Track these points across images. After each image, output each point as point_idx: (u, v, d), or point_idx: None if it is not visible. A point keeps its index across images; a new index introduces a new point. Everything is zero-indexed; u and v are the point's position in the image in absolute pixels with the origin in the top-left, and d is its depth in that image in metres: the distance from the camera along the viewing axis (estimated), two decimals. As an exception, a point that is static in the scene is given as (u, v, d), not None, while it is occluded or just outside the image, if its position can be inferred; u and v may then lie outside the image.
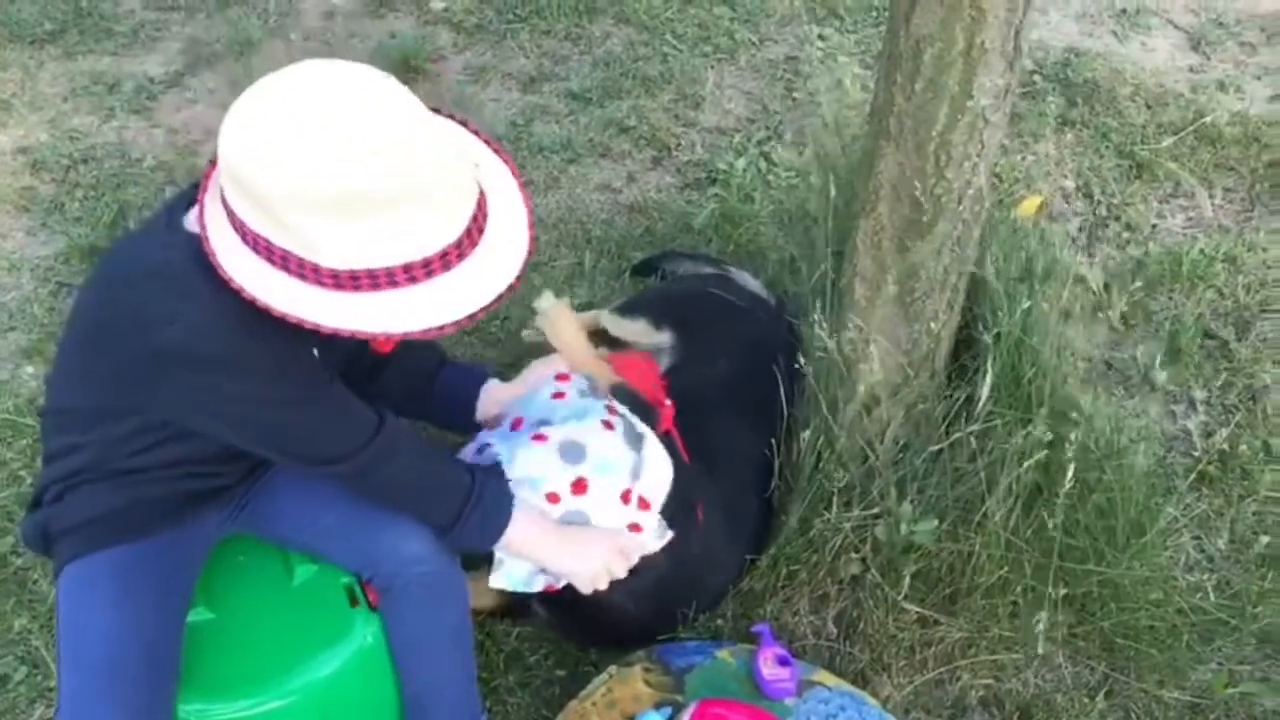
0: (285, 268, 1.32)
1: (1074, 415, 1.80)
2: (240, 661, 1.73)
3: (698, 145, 3.16)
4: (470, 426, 1.89)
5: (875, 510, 1.90)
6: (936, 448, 1.88)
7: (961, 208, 1.71)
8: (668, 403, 2.15)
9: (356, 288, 1.32)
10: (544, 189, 3.02)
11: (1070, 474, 1.78)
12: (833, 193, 1.92)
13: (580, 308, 2.67)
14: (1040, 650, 1.87)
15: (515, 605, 2.05)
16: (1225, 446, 2.28)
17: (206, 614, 1.76)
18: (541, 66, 3.45)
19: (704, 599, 2.04)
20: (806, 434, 1.95)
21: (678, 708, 1.79)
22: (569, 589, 1.78)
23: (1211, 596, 2.00)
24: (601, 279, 2.76)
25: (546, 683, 2.00)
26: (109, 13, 3.65)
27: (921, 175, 1.68)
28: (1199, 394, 2.44)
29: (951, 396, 1.90)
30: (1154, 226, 2.87)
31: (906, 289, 1.80)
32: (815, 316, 1.89)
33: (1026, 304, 1.79)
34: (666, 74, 3.39)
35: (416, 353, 1.89)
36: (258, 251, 1.33)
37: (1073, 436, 1.75)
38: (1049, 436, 1.75)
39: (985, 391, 1.82)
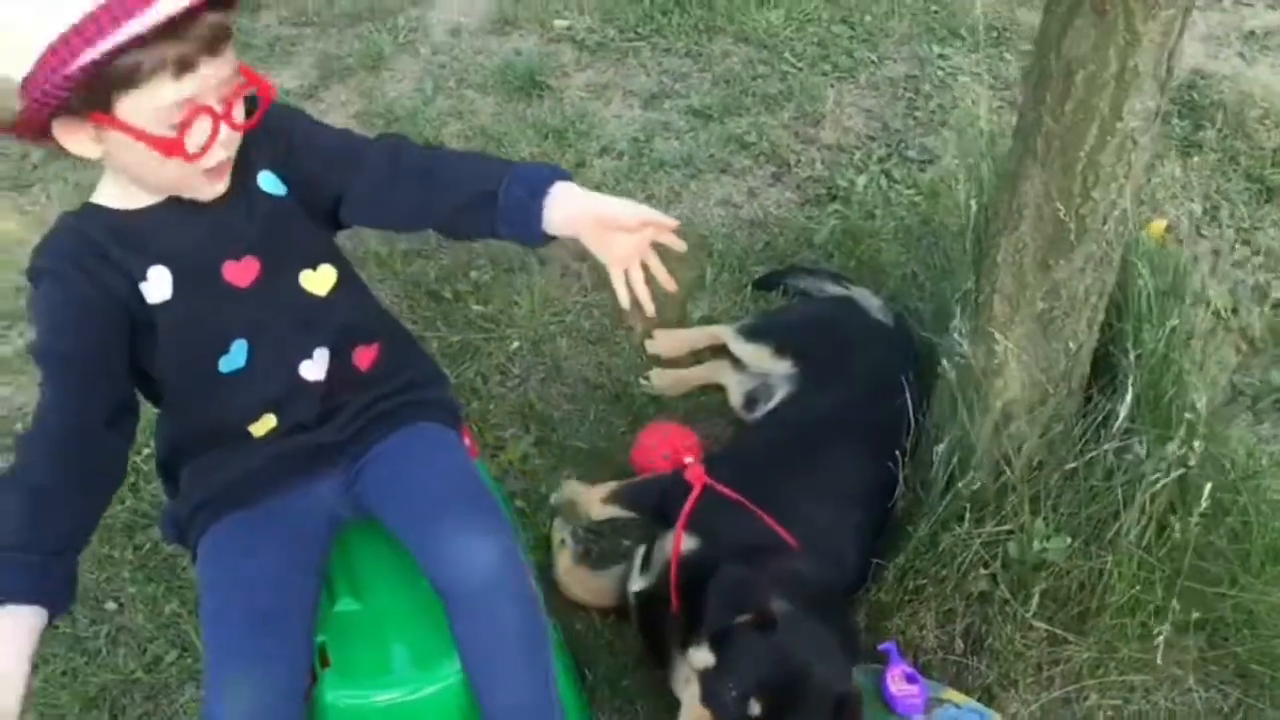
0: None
1: (1211, 436, 1.79)
2: (388, 651, 1.79)
3: (818, 162, 3.20)
4: (539, 239, 1.67)
5: (1007, 526, 1.91)
6: (1071, 465, 1.89)
7: (1106, 228, 1.72)
8: (688, 460, 2.20)
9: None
10: (665, 204, 3.08)
11: (1206, 493, 1.77)
12: (974, 208, 1.94)
13: (701, 321, 2.73)
14: (1176, 671, 1.86)
15: (625, 605, 2.11)
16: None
17: (353, 604, 1.83)
18: (662, 84, 3.52)
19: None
20: (940, 448, 1.97)
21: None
22: None
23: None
24: (723, 292, 2.81)
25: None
26: (247, 27, 3.80)
27: (1067, 195, 1.70)
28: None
29: (1088, 414, 1.90)
30: (1284, 252, 2.84)
31: (1047, 307, 1.81)
32: (956, 329, 1.91)
33: (1174, 321, 1.79)
34: (786, 92, 3.43)
35: (477, 180, 1.71)
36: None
37: (1210, 452, 1.75)
38: (1189, 455, 1.75)
39: (1124, 410, 1.82)
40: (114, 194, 1.60)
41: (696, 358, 2.65)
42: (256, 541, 1.73)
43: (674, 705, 1.88)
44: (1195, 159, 3.08)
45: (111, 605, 2.22)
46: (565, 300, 2.80)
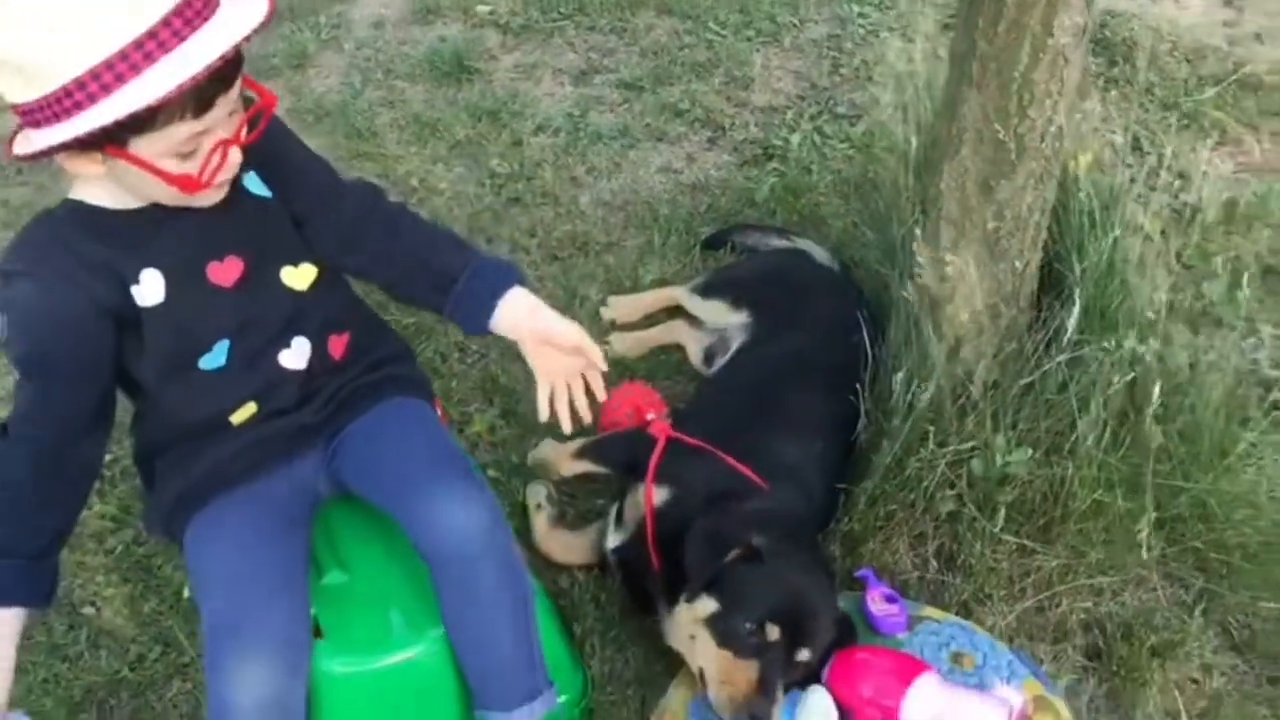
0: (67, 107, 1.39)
1: (1155, 339, 1.87)
2: (379, 618, 1.81)
3: (751, 124, 3.26)
4: (482, 332, 1.77)
5: (970, 443, 1.97)
6: (1027, 380, 1.96)
7: (1044, 145, 1.80)
8: (650, 416, 2.25)
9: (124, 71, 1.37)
10: (606, 174, 3.12)
11: (1157, 392, 1.86)
12: (914, 143, 2.01)
13: (653, 284, 2.78)
14: (1143, 556, 1.94)
15: (605, 562, 2.15)
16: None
17: (340, 577, 1.84)
18: (590, 60, 3.56)
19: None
20: (899, 376, 2.03)
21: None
22: None
23: (1300, 510, 2.08)
24: (671, 255, 2.85)
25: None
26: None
27: (1005, 116, 1.77)
28: (1266, 329, 2.50)
29: (1039, 330, 1.97)
30: (1205, 173, 2.94)
31: (993, 228, 1.88)
32: (917, 254, 1.97)
33: (1115, 233, 1.87)
34: (714, 59, 3.49)
35: (441, 256, 1.79)
36: (47, 122, 1.40)
37: (1155, 346, 1.83)
38: (1145, 352, 1.82)
39: (1073, 322, 1.90)
40: (101, 194, 1.57)
41: (653, 320, 2.69)
42: (243, 523, 1.74)
43: (666, 650, 1.94)
44: (1113, 93, 3.19)
45: (89, 610, 2.20)
46: (517, 275, 2.82)
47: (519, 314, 1.72)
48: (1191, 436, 2.04)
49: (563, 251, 2.90)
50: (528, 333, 1.73)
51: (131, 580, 2.24)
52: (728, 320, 2.51)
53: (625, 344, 2.62)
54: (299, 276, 1.76)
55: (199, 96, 1.43)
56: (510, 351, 2.64)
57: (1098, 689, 1.94)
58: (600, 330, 2.66)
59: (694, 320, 2.62)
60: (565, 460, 2.28)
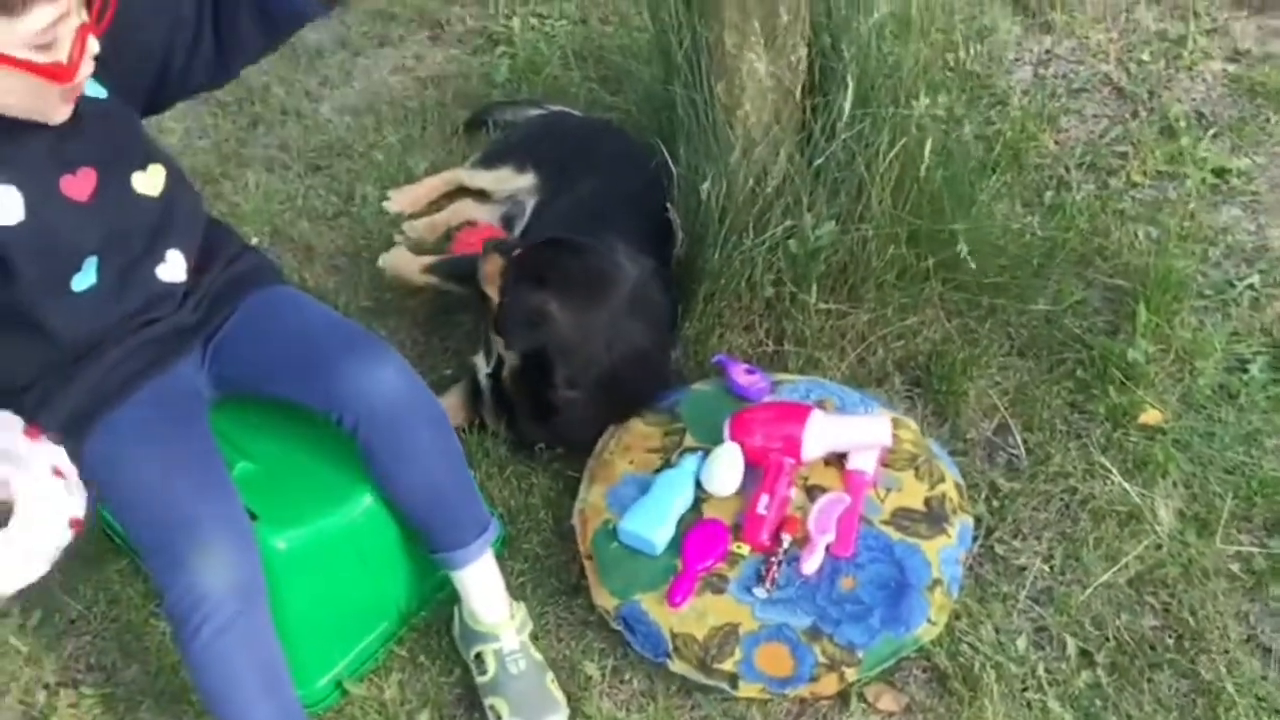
0: None
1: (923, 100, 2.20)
2: (303, 491, 1.85)
3: (467, 18, 3.35)
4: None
5: (788, 222, 2.22)
6: (819, 162, 2.23)
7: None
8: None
9: None
10: (341, 83, 3.13)
11: (929, 147, 2.19)
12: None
13: (427, 172, 2.84)
14: (931, 297, 2.28)
15: (479, 414, 2.27)
16: (1002, 137, 2.78)
17: (249, 466, 1.85)
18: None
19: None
20: (705, 185, 2.24)
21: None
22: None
23: (1039, 232, 2.50)
24: (434, 144, 2.93)
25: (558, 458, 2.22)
26: None
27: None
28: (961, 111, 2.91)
29: (822, 115, 2.24)
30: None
31: (768, 27, 2.12)
32: (697, 70, 2.17)
33: (875, 16, 2.15)
34: (409, -39, 3.52)
35: None
36: None
37: (926, 106, 2.15)
38: (911, 113, 2.14)
39: (849, 101, 2.18)
40: None
41: (437, 205, 2.76)
42: (145, 428, 1.73)
43: (566, 469, 2.09)
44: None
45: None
46: (286, 189, 2.81)
47: None
48: (952, 190, 2.38)
49: (324, 160, 2.90)
50: None
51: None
52: (516, 184, 2.63)
53: (418, 231, 2.68)
54: (149, 182, 1.74)
55: None
56: (305, 258, 2.64)
57: (925, 410, 2.27)
58: (389, 222, 2.70)
59: (480, 195, 2.72)
60: (416, 272, 2.36)
